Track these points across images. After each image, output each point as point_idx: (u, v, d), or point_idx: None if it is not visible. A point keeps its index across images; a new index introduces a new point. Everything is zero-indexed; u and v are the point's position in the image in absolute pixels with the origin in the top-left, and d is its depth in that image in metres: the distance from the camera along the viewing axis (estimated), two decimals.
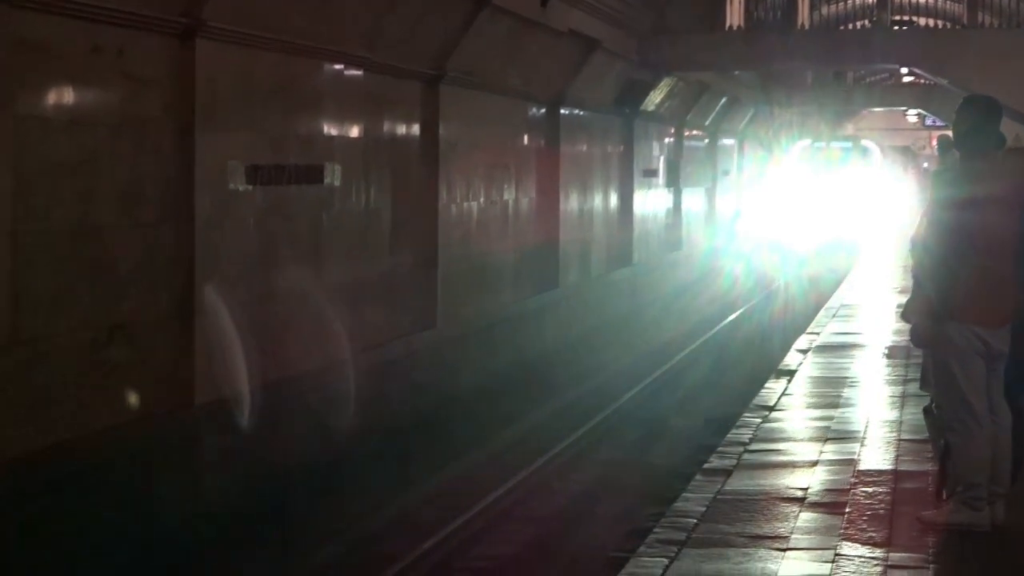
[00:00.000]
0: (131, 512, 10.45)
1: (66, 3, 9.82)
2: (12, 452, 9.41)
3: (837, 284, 26.19)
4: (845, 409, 11.78)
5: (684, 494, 8.64)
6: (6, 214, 9.34)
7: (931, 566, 6.96)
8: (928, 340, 7.55)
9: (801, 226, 38.18)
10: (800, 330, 18.95)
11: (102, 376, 10.64)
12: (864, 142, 44.25)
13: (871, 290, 23.48)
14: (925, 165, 33.78)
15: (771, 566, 6.92)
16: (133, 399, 11.05)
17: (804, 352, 15.43)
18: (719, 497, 8.49)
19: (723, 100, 34.72)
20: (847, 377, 13.69)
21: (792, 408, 11.95)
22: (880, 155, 42.81)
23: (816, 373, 13.99)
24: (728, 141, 38.67)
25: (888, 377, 13.48)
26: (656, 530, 7.75)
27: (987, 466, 7.21)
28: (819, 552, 7.14)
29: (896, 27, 30.41)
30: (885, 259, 29.30)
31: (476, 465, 14.49)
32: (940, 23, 32.99)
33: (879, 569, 6.89)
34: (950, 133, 16.71)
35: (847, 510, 8.06)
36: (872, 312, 19.94)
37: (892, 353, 14.74)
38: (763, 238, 37.96)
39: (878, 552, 7.16)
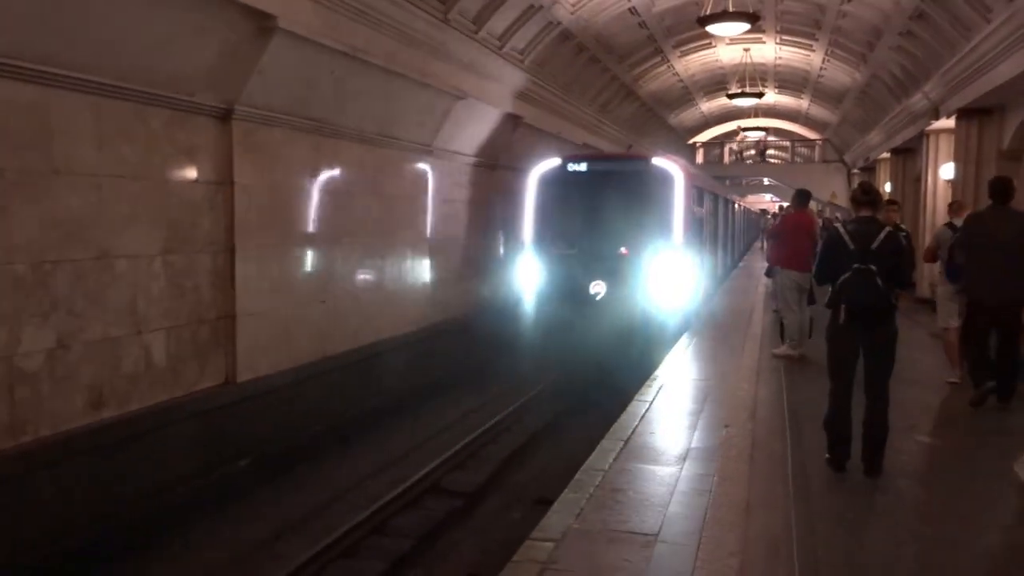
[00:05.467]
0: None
1: (273, 119, 10.55)
2: (304, 359, 11.24)
3: None
4: None
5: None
6: (251, 235, 10.13)
7: (784, 394, 8.01)
8: (775, 279, 11.63)
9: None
10: None
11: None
12: (657, 160, 13.93)
13: None
14: (769, 217, 37.93)
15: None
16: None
17: None
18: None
19: None
20: None
21: None
22: (687, 183, 13.66)
23: None
24: None
25: None
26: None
27: (798, 331, 11.17)
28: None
29: (764, 161, 43.12)
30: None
31: None
32: (789, 158, 42.25)
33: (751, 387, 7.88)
34: (786, 204, 21.62)
35: None
36: None
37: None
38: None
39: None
